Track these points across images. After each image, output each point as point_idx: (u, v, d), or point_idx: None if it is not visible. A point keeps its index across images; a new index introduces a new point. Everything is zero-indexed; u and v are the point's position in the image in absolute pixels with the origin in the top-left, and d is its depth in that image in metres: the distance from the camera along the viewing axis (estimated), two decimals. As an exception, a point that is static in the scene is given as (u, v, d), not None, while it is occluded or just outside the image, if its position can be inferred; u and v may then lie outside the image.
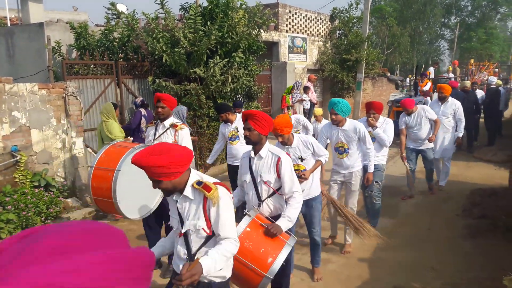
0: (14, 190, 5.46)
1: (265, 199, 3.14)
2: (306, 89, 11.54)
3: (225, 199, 2.24)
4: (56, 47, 7.34)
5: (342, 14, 15.11)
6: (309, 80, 12.13)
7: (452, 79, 14.25)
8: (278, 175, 3.09)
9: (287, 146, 3.88)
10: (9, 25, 10.70)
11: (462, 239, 5.07)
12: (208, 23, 7.99)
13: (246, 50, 8.57)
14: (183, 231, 2.28)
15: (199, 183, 2.24)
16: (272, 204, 3.17)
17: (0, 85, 5.61)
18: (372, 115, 5.16)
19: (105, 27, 8.33)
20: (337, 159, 4.76)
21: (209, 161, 5.70)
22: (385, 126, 5.28)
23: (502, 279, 3.04)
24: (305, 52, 13.80)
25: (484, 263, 4.42)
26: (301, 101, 11.20)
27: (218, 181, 2.32)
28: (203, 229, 2.24)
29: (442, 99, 6.98)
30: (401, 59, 28.34)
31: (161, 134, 4.31)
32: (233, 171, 5.40)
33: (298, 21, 13.38)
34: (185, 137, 4.28)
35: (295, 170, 3.86)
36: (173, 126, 4.30)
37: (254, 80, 9.08)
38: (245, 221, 2.83)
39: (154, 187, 2.18)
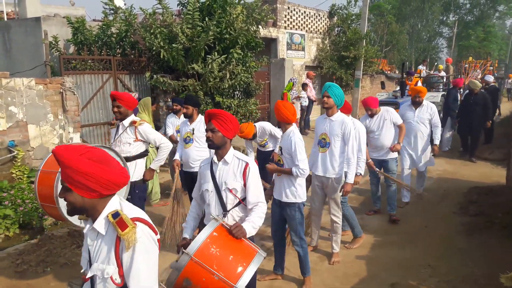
0: (11, 186, 5.44)
1: (230, 209, 2.77)
2: (304, 86, 11.52)
3: (143, 243, 1.68)
4: (53, 42, 7.29)
5: (340, 11, 15.09)
6: (307, 77, 12.12)
7: (444, 78, 13.42)
8: (245, 183, 2.76)
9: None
10: (5, 19, 10.62)
11: (459, 236, 5.09)
12: (206, 19, 7.96)
13: (244, 46, 8.55)
14: (88, 275, 1.77)
15: (115, 215, 1.69)
16: (238, 215, 2.82)
17: (-4, 80, 5.58)
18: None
19: (102, 22, 8.28)
20: (318, 155, 4.30)
21: (177, 157, 5.01)
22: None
23: (499, 277, 3.05)
24: (303, 49, 13.78)
25: (481, 260, 4.43)
26: (298, 98, 11.18)
27: (144, 216, 1.77)
28: (111, 278, 1.69)
29: (418, 104, 6.09)
30: (400, 57, 28.34)
31: (120, 134, 4.10)
32: (185, 178, 5.08)
33: (296, 18, 13.35)
34: (147, 131, 4.10)
35: (278, 160, 3.85)
36: (132, 123, 4.08)
37: (252, 77, 9.07)
38: (212, 225, 2.45)
39: (61, 195, 1.72)
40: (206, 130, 2.76)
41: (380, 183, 5.94)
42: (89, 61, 7.39)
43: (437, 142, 6.10)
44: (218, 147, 2.78)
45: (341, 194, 4.35)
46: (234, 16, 8.19)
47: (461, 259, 4.51)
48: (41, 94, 6.12)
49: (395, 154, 5.66)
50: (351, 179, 4.21)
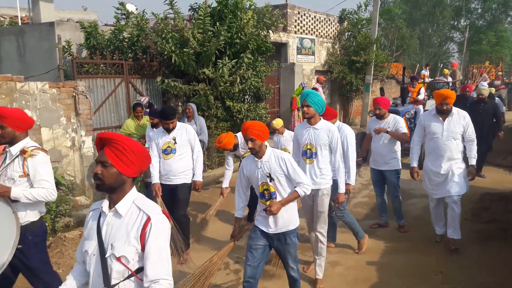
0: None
1: (115, 284, 1.91)
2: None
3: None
4: (66, 46, 7.39)
5: (351, 16, 15.06)
6: (317, 81, 12.11)
7: (451, 84, 12.67)
8: (143, 247, 1.89)
9: (256, 159, 3.25)
10: (20, 24, 10.79)
11: (471, 243, 5.02)
12: (217, 24, 8.01)
13: (254, 51, 8.59)
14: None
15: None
16: None
17: (11, 84, 5.67)
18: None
19: (114, 27, 8.38)
20: (304, 166, 3.95)
21: (155, 180, 4.56)
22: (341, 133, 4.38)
23: (513, 285, 3.00)
24: (313, 54, 13.78)
25: (493, 268, 4.37)
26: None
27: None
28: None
29: (446, 113, 4.67)
30: (410, 61, 28.17)
31: (7, 165, 3.01)
32: (166, 194, 4.61)
33: (306, 22, 13.37)
34: (38, 167, 3.01)
35: (264, 190, 3.28)
36: (22, 152, 3.02)
37: (262, 81, 9.09)
38: None
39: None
40: (96, 162, 1.95)
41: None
42: (102, 65, 7.47)
43: (473, 162, 4.75)
44: (111, 189, 1.94)
45: (336, 205, 4.13)
46: (245, 21, 8.24)
47: (473, 266, 4.45)
48: (54, 97, 6.20)
49: (395, 166, 5.26)
50: (342, 188, 3.99)
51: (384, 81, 17.09)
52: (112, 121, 7.51)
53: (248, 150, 5.11)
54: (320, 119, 3.94)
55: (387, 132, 5.14)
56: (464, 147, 4.76)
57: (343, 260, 4.73)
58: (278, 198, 3.24)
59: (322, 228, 4.08)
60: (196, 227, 5.71)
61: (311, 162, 3.94)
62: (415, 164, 4.92)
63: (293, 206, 3.39)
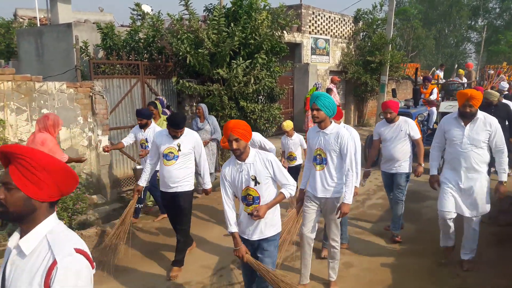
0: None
1: None
2: (328, 91, 11.43)
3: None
4: (84, 47, 7.51)
5: (366, 16, 14.96)
6: (332, 81, 12.06)
7: (466, 85, 12.03)
8: None
9: (238, 162, 3.03)
10: (38, 25, 10.99)
11: (489, 246, 4.94)
12: (232, 24, 8.04)
13: (268, 51, 8.59)
14: None
15: None
16: None
17: (30, 84, 5.79)
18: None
19: (130, 28, 8.48)
20: (315, 173, 3.78)
21: (141, 183, 4.40)
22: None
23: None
24: (328, 54, 13.72)
25: (511, 271, 4.29)
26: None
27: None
28: None
29: (469, 116, 4.06)
30: (426, 62, 27.85)
31: None
32: (166, 200, 4.46)
33: (321, 23, 13.32)
34: None
35: (245, 195, 3.07)
36: None
37: (276, 81, 9.09)
38: None
39: None
40: (1, 183, 1.48)
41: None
42: (118, 65, 7.57)
43: (504, 177, 4.07)
44: (18, 218, 1.48)
45: (337, 216, 3.80)
46: (259, 21, 8.25)
47: (491, 269, 4.38)
48: (71, 97, 6.30)
49: (406, 169, 5.02)
50: (349, 199, 3.64)
51: (400, 81, 16.93)
52: (128, 121, 7.60)
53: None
54: (331, 122, 3.69)
55: (420, 170, 4.95)
56: (493, 158, 4.14)
57: (357, 262, 4.69)
58: (262, 203, 3.02)
59: (335, 235, 3.92)
60: (201, 229, 5.74)
61: (322, 169, 3.72)
62: (434, 171, 4.36)
63: (277, 210, 3.18)
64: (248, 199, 3.06)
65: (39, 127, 4.59)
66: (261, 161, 3.01)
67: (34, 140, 4.54)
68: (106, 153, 5.44)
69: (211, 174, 5.83)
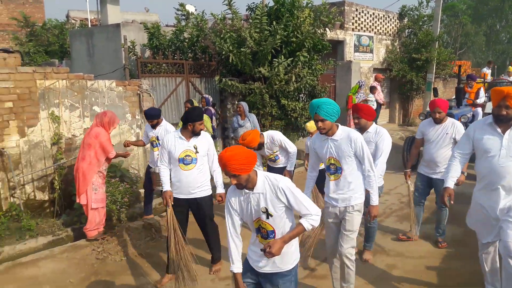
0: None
1: None
2: (372, 89, 11.25)
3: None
4: (131, 47, 7.79)
5: (411, 12, 14.55)
6: (376, 79, 11.82)
7: None
8: None
9: (246, 191, 2.55)
10: (89, 26, 11.51)
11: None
12: (274, 23, 8.07)
13: (310, 49, 8.55)
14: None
15: None
16: None
17: (83, 82, 6.09)
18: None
19: (175, 28, 8.70)
20: (329, 183, 3.49)
21: (167, 187, 4.01)
22: (377, 138, 4.05)
23: None
24: (371, 51, 13.45)
25: None
26: (366, 101, 10.95)
27: None
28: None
29: (506, 121, 3.20)
30: (475, 59, 26.65)
31: None
32: (174, 204, 4.02)
33: (364, 19, 13.08)
34: None
35: (258, 227, 2.61)
36: None
37: (318, 80, 9.03)
38: None
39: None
40: None
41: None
42: (163, 64, 7.80)
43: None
44: None
45: (369, 219, 3.69)
46: (302, 19, 8.23)
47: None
48: (120, 95, 6.57)
49: None
50: (375, 200, 3.46)
51: (447, 80, 16.33)
52: (173, 118, 7.82)
53: (275, 151, 4.87)
54: (338, 126, 3.33)
55: (462, 178, 4.50)
56: None
57: (401, 264, 4.59)
58: (278, 236, 2.55)
59: (350, 252, 3.48)
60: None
61: (337, 178, 3.41)
62: (450, 184, 3.48)
63: (294, 240, 2.65)
64: (262, 232, 2.61)
65: (97, 122, 4.94)
66: (272, 190, 2.50)
67: (89, 133, 4.93)
68: (127, 147, 5.53)
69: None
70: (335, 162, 3.37)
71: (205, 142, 4.06)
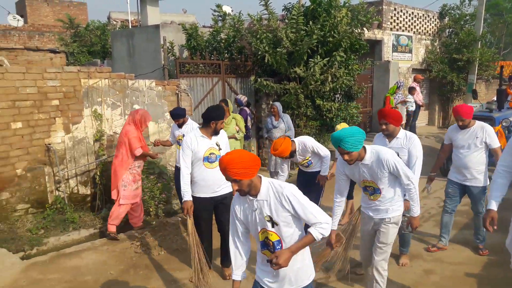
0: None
1: None
2: (411, 90, 10.99)
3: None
4: (170, 47, 7.98)
5: (452, 11, 14.09)
6: (414, 80, 11.55)
7: None
8: None
9: (250, 198, 2.40)
10: (130, 27, 11.87)
11: None
12: (310, 23, 8.03)
13: (347, 49, 8.44)
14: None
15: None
16: None
17: (124, 81, 6.30)
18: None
19: (213, 28, 8.83)
20: (365, 199, 3.50)
21: (188, 197, 3.91)
22: (409, 144, 3.90)
23: None
24: (410, 51, 13.14)
25: None
26: (404, 102, 10.72)
27: None
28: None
29: None
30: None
31: None
32: (199, 204, 4.01)
33: (403, 19, 12.79)
34: None
35: (264, 240, 2.46)
36: None
37: (355, 80, 8.92)
38: None
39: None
40: None
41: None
42: (201, 65, 7.94)
43: None
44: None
45: (408, 230, 3.65)
46: (339, 19, 8.14)
47: None
48: (160, 94, 6.75)
49: (481, 182, 4.50)
50: (416, 211, 3.35)
51: (490, 81, 15.71)
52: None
53: (308, 157, 4.73)
54: (365, 150, 3.18)
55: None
56: None
57: (439, 269, 4.48)
58: (285, 247, 2.39)
59: (381, 265, 3.41)
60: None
61: (377, 198, 3.34)
62: (493, 206, 3.01)
63: (306, 253, 2.51)
64: (268, 245, 2.44)
65: (129, 120, 5.10)
66: (277, 197, 2.34)
67: (122, 130, 5.11)
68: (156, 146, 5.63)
69: (283, 174, 5.69)
70: (371, 184, 3.30)
71: (224, 139, 4.14)
